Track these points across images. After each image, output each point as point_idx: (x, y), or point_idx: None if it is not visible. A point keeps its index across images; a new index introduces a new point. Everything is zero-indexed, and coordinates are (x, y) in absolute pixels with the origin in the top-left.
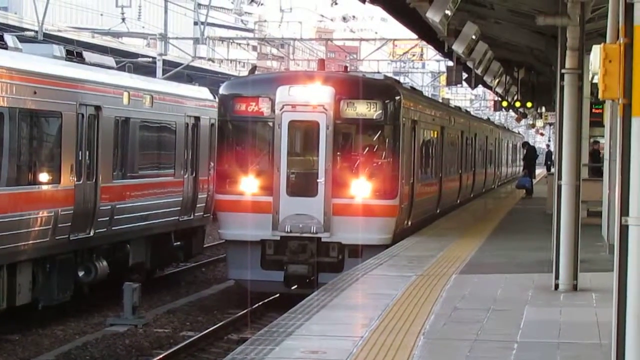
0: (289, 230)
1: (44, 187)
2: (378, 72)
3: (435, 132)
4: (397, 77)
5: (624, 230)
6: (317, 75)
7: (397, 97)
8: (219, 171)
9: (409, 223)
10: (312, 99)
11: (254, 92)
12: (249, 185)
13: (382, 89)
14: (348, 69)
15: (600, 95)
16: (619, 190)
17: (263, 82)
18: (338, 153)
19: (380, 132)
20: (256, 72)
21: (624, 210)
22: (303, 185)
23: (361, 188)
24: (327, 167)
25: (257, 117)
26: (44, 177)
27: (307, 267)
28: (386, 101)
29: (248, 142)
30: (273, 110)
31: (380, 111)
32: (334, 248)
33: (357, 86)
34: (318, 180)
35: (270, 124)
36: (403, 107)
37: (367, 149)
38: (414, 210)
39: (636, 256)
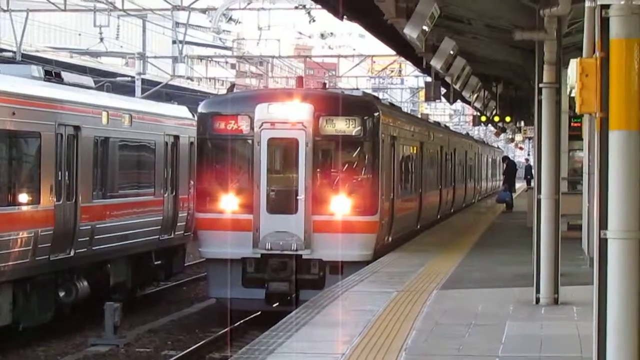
0: (269, 247)
1: (24, 208)
2: (357, 89)
3: (415, 148)
4: (376, 93)
5: (603, 243)
6: (296, 92)
7: (376, 114)
8: (198, 189)
9: (390, 239)
10: (291, 116)
11: (233, 110)
12: (229, 203)
13: (361, 106)
14: (327, 86)
15: (577, 110)
16: (598, 204)
17: (242, 100)
18: (318, 170)
19: (359, 148)
20: (235, 90)
21: (603, 224)
22: (283, 203)
23: (341, 205)
24: (307, 184)
25: (237, 135)
26: (23, 197)
27: (288, 284)
28: (365, 117)
29: (228, 160)
30: (252, 128)
31: (359, 127)
32: (315, 265)
33: (336, 103)
34: (298, 198)
35: (250, 141)
36: (382, 123)
37: (346, 165)
38: (394, 226)
39: (616, 269)
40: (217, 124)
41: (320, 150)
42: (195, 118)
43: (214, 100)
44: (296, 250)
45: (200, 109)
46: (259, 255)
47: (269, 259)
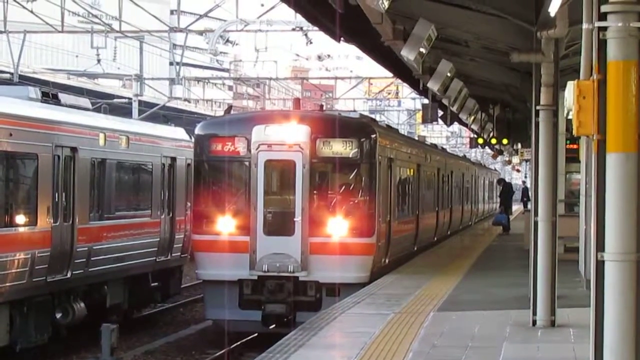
0: (266, 269)
1: (21, 229)
2: (354, 111)
3: (412, 170)
4: (373, 116)
5: (600, 265)
6: (293, 114)
7: (373, 135)
8: (195, 211)
9: (386, 261)
10: (288, 138)
11: (230, 132)
12: (225, 225)
13: (358, 128)
14: (324, 108)
15: (574, 132)
16: (595, 226)
17: (239, 122)
18: (314, 192)
19: (356, 170)
20: (232, 112)
21: (600, 246)
22: (280, 224)
23: (338, 226)
24: (304, 205)
25: (234, 157)
26: (20, 219)
27: (285, 306)
28: (362, 139)
29: (224, 182)
30: (249, 149)
31: (357, 149)
32: (312, 287)
33: (332, 125)
34: (295, 219)
35: (247, 163)
36: (379, 145)
37: (343, 187)
38: (391, 248)
39: (612, 291)
40: (214, 145)
41: (317, 172)
42: (192, 140)
43: (211, 122)
44: (293, 272)
45: (198, 130)
46: (255, 277)
47: (266, 281)
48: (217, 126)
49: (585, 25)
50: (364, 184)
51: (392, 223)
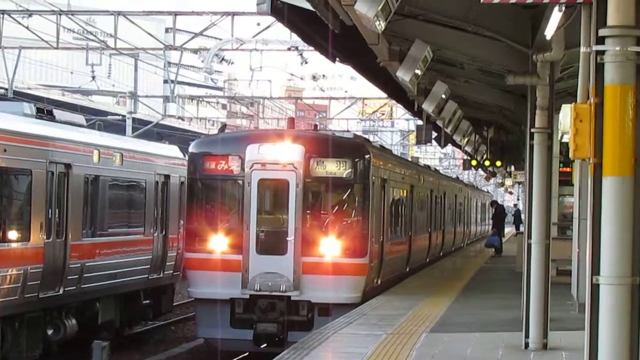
0: (258, 288)
1: (14, 245)
2: (347, 131)
3: (405, 191)
4: (366, 136)
5: (594, 289)
6: (287, 133)
7: (367, 156)
8: (188, 229)
9: (379, 281)
10: (282, 157)
11: (223, 151)
12: (218, 243)
13: (352, 148)
14: (318, 128)
15: (571, 155)
16: (590, 249)
17: (233, 141)
18: (308, 211)
19: (349, 190)
20: (226, 130)
21: (595, 269)
22: (273, 244)
23: (331, 246)
24: (297, 225)
25: (227, 176)
26: (13, 234)
27: (277, 325)
28: (356, 160)
29: (217, 201)
30: (243, 168)
31: (350, 170)
32: (304, 306)
33: (326, 145)
34: (288, 239)
35: (240, 182)
36: (372, 166)
37: (336, 207)
38: (383, 269)
39: (607, 315)
40: (207, 164)
41: (311, 192)
42: (186, 158)
43: (204, 140)
44: (285, 291)
45: (191, 148)
46: (247, 296)
47: (258, 300)
48: (211, 144)
49: (582, 49)
50: (357, 204)
51: (384, 244)
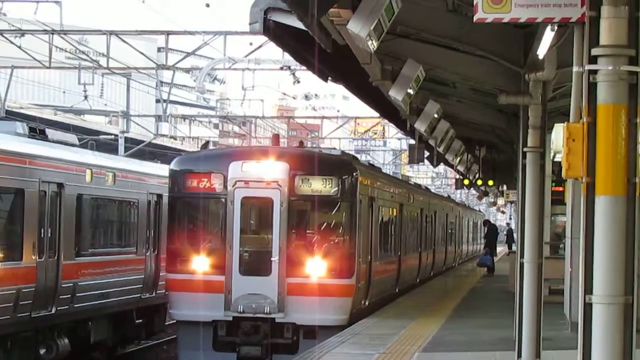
0: (241, 310)
1: (6, 264)
2: (334, 148)
3: (394, 210)
4: (359, 155)
5: (587, 308)
6: (271, 150)
7: (354, 173)
8: (169, 249)
9: (367, 303)
10: (266, 174)
11: (205, 168)
12: (200, 263)
13: (338, 165)
14: (304, 144)
15: (563, 174)
16: (583, 269)
17: (215, 158)
18: (293, 231)
19: (336, 209)
20: (210, 147)
21: (588, 289)
22: (256, 264)
23: (316, 267)
24: (282, 245)
25: (209, 194)
26: (5, 254)
27: (261, 348)
28: (342, 177)
29: (200, 219)
30: (225, 186)
31: (337, 187)
32: (288, 329)
33: (312, 162)
34: (272, 259)
35: (223, 200)
36: (360, 184)
37: (322, 226)
38: (371, 290)
39: (600, 334)
40: (189, 181)
41: (296, 211)
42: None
43: (186, 158)
44: (269, 313)
45: (172, 166)
46: (230, 318)
47: (241, 322)
48: (193, 162)
49: (575, 68)
50: (343, 223)
51: (372, 264)
